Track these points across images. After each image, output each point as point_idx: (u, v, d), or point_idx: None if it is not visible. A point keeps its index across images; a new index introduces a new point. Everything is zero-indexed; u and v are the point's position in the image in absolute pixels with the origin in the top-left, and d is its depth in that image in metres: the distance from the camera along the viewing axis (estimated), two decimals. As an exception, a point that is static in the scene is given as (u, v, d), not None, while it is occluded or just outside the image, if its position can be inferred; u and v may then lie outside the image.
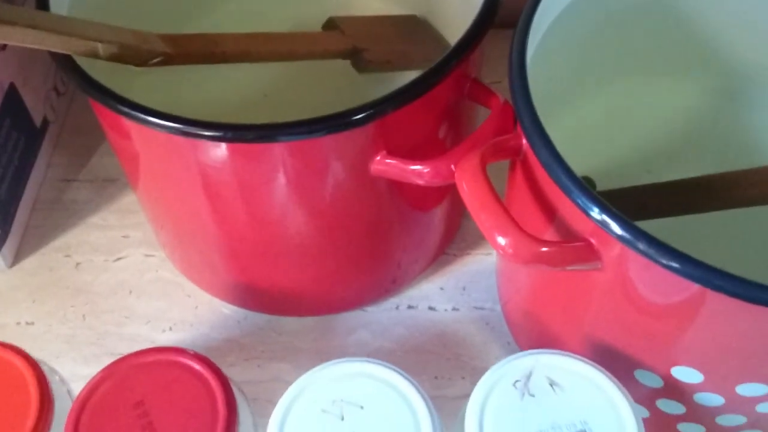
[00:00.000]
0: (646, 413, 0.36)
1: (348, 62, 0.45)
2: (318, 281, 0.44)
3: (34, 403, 0.31)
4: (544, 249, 0.30)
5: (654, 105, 0.46)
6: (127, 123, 0.36)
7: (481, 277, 0.48)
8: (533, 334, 0.41)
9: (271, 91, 0.49)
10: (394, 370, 0.32)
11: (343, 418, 0.31)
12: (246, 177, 0.36)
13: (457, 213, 0.48)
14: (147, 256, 0.49)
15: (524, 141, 0.32)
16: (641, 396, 0.35)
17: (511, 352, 0.44)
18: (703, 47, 0.43)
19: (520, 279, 0.40)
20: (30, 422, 0.31)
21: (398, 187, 0.39)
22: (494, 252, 0.47)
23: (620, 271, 0.30)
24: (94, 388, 0.32)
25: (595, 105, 0.46)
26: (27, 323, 0.46)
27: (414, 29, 0.48)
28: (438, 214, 0.46)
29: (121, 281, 0.48)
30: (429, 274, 0.48)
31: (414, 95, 0.34)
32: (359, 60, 0.45)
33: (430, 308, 0.47)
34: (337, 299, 0.46)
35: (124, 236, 0.50)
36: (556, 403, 0.31)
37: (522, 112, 0.31)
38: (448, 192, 0.44)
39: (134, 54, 0.36)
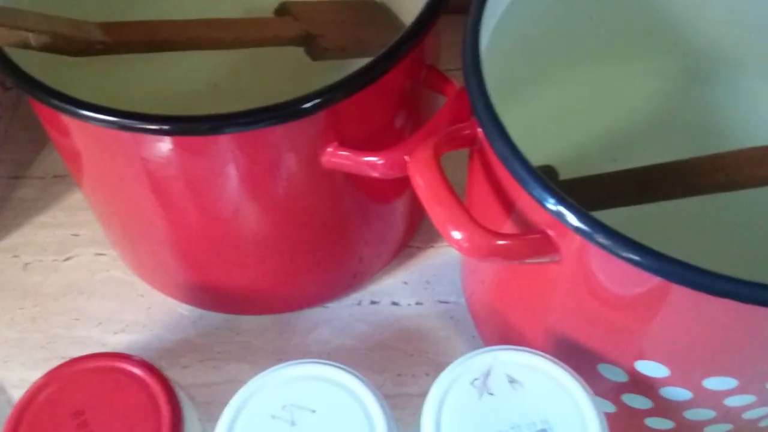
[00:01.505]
0: (612, 408, 0.35)
1: (302, 50, 0.44)
2: (275, 278, 0.43)
3: (-35, 415, 0.30)
4: (500, 242, 0.29)
5: (618, 90, 0.45)
6: (65, 118, 0.34)
7: (445, 269, 0.47)
8: (497, 328, 0.40)
9: (221, 81, 0.47)
10: (348, 371, 0.31)
11: (293, 424, 0.29)
12: (192, 172, 0.35)
13: (420, 205, 0.47)
14: (98, 255, 0.47)
15: (479, 129, 0.31)
16: (606, 390, 0.34)
17: (477, 346, 0.43)
18: (666, 29, 0.42)
19: (483, 271, 0.39)
20: (-39, 436, 0.30)
21: (355, 180, 0.38)
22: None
23: (579, 263, 0.29)
24: (32, 396, 0.31)
25: (558, 92, 0.44)
26: (-27, 328, 0.45)
27: (371, 14, 0.46)
28: (400, 207, 0.44)
29: (72, 282, 0.46)
30: (392, 268, 0.47)
31: (365, 82, 0.33)
32: (313, 47, 0.43)
33: (394, 303, 0.45)
34: (296, 296, 0.45)
35: (74, 235, 0.48)
36: (515, 402, 0.29)
37: (475, 98, 0.30)
38: (410, 183, 0.43)
39: (69, 44, 0.34)
